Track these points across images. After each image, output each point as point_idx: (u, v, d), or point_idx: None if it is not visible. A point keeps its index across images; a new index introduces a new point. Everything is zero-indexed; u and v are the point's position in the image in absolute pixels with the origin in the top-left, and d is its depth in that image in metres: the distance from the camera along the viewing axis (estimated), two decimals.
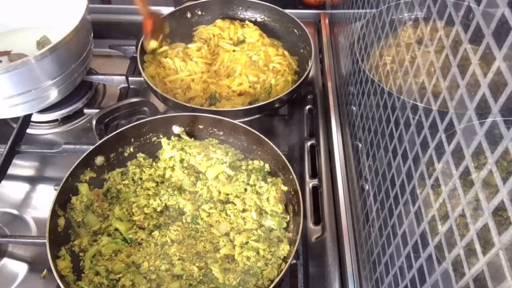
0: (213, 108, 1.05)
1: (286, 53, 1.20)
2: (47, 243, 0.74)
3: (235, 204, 0.86)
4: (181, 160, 0.91)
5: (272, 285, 0.72)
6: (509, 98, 0.31)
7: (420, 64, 0.53)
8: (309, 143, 1.08)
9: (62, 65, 1.01)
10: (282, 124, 1.13)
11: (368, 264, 0.74)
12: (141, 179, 0.91)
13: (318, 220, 0.92)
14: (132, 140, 0.94)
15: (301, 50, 1.21)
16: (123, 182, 0.90)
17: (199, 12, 1.29)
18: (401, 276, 0.55)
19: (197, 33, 1.26)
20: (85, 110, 1.13)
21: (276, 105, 1.04)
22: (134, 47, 1.21)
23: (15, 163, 1.00)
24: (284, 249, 0.79)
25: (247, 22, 1.28)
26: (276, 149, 0.88)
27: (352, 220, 0.87)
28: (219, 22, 1.26)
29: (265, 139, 0.90)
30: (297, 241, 0.75)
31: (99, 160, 0.90)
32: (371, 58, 0.86)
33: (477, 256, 0.34)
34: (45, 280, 0.84)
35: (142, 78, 1.07)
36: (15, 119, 1.06)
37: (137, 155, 0.95)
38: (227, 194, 0.88)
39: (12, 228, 0.92)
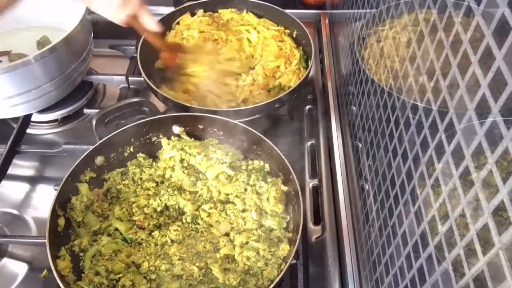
0: (213, 108, 1.05)
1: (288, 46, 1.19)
2: (47, 243, 0.74)
3: (235, 204, 0.86)
4: (181, 160, 0.91)
5: (272, 285, 0.71)
6: (509, 98, 0.31)
7: (420, 64, 0.53)
8: (309, 143, 1.08)
9: (62, 65, 1.01)
10: (282, 124, 1.13)
11: (368, 264, 0.74)
12: (141, 179, 0.90)
13: (318, 220, 0.92)
14: (132, 140, 0.94)
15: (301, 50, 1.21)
16: (123, 182, 0.90)
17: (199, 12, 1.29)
18: (401, 276, 0.55)
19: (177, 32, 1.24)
20: (85, 110, 1.13)
21: (276, 105, 1.04)
22: (134, 47, 1.21)
23: (15, 163, 1.00)
24: (284, 249, 0.79)
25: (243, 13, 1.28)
26: (276, 149, 0.88)
27: (352, 220, 0.87)
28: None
29: (265, 139, 0.90)
30: (297, 241, 0.75)
31: (99, 160, 0.90)
32: (371, 58, 0.87)
33: (477, 256, 0.34)
34: (45, 280, 0.84)
35: (142, 78, 1.07)
36: (15, 119, 1.06)
37: (137, 155, 0.95)
38: (227, 194, 0.88)
39: (12, 228, 0.92)
